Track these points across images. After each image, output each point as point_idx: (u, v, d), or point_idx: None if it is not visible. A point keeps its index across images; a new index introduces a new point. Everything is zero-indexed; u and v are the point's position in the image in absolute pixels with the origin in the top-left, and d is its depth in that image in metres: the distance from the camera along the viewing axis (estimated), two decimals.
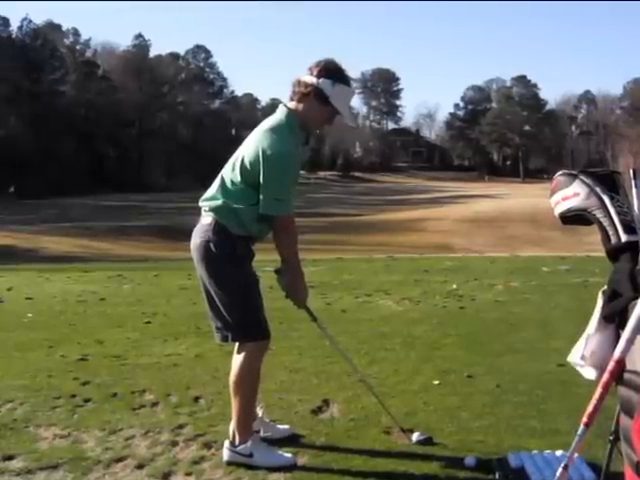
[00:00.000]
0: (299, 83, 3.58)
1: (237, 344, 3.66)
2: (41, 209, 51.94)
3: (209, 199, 3.62)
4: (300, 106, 3.58)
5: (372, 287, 10.45)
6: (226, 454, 3.63)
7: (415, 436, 3.84)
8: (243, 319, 3.57)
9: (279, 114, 3.61)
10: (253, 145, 3.52)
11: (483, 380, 5.05)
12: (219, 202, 3.57)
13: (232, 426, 3.70)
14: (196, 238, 3.61)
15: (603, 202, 2.71)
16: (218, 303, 3.58)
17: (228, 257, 3.54)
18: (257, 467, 3.53)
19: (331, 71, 3.55)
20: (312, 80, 3.53)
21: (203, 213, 3.64)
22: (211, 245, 3.54)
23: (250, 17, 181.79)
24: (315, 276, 12.10)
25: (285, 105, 3.63)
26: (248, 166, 3.49)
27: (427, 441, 3.81)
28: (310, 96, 3.54)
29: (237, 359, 3.63)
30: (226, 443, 3.66)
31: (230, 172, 3.59)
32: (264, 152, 3.43)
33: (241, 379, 3.60)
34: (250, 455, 3.58)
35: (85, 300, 9.73)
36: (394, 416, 3.98)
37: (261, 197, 3.45)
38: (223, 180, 3.61)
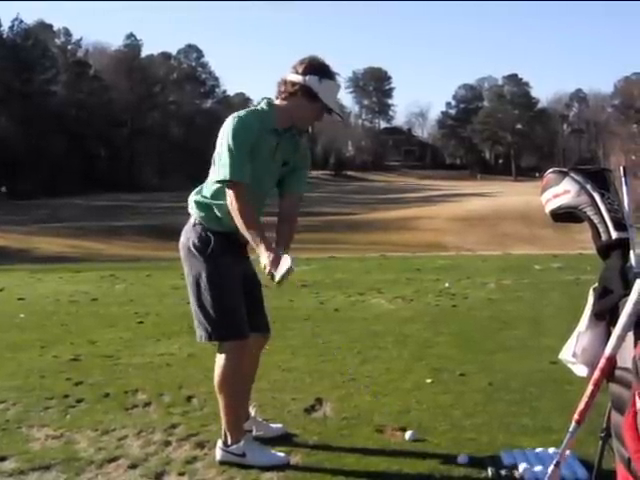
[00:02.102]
0: (285, 82, 3.55)
1: (218, 345, 3.65)
2: (33, 209, 51.79)
3: (192, 197, 3.66)
4: (288, 105, 3.56)
5: (365, 286, 10.46)
6: (219, 454, 3.63)
7: (408, 434, 3.85)
8: (215, 319, 3.52)
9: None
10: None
11: (475, 378, 5.07)
12: (198, 198, 3.61)
13: (223, 426, 3.69)
14: (181, 237, 3.65)
15: (594, 199, 2.72)
16: (193, 301, 3.58)
17: (204, 256, 3.53)
18: (250, 466, 3.53)
19: (316, 67, 3.53)
20: (298, 78, 3.51)
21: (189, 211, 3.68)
22: (190, 244, 3.56)
23: (242, 16, 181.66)
24: (308, 275, 12.10)
25: (270, 100, 3.63)
26: (216, 156, 3.50)
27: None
28: (298, 95, 3.52)
29: (218, 360, 3.61)
30: (219, 443, 3.66)
31: (211, 168, 3.60)
32: (222, 126, 3.46)
33: (223, 380, 3.58)
34: (243, 455, 3.57)
35: (77, 300, 9.71)
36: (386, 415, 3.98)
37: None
38: (207, 177, 3.64)
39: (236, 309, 3.57)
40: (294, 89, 3.52)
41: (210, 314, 3.53)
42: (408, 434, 3.86)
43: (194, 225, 3.59)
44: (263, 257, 3.34)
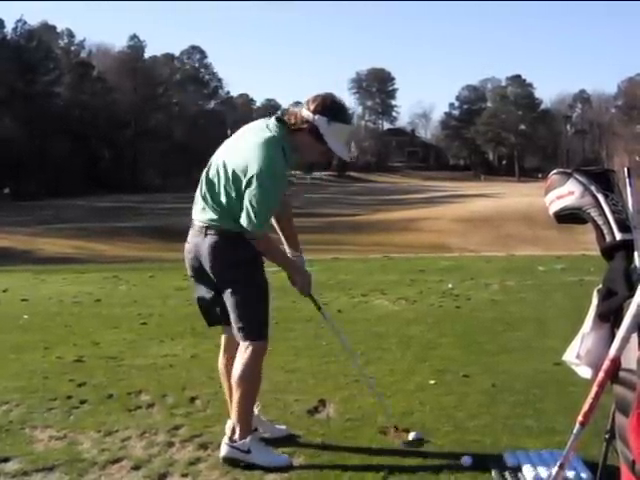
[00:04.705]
0: (296, 116, 3.56)
1: (245, 343, 3.65)
2: (36, 210, 51.83)
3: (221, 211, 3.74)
4: (297, 137, 3.57)
5: (368, 287, 10.44)
6: (224, 449, 3.63)
7: (412, 435, 3.86)
8: (259, 319, 3.65)
9: (273, 127, 3.58)
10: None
11: (479, 379, 5.06)
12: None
13: (231, 422, 3.69)
14: (214, 245, 3.68)
15: (598, 201, 2.72)
16: (237, 302, 3.64)
17: (243, 261, 3.65)
18: (253, 468, 3.53)
19: (328, 108, 3.54)
20: (309, 116, 3.52)
21: None
22: (228, 251, 3.66)
23: (245, 17, 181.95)
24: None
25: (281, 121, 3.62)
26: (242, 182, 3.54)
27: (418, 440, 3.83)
28: (305, 131, 3.54)
29: (243, 357, 3.62)
30: (225, 439, 3.65)
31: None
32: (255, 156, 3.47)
33: (248, 376, 3.61)
34: (248, 451, 3.57)
35: (81, 301, 9.71)
36: (391, 414, 3.98)
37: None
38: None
39: (267, 311, 3.70)
40: (302, 126, 3.54)
41: (255, 314, 3.62)
42: (412, 434, 3.86)
43: (226, 234, 3.58)
44: (297, 277, 3.84)
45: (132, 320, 7.93)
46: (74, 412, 4.51)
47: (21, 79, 70.17)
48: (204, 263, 3.63)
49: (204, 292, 3.77)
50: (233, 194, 3.51)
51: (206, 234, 3.59)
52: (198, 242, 3.64)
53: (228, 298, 3.62)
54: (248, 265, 3.62)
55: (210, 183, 3.61)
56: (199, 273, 3.72)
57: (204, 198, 3.62)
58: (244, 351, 3.63)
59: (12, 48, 72.36)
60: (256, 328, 3.62)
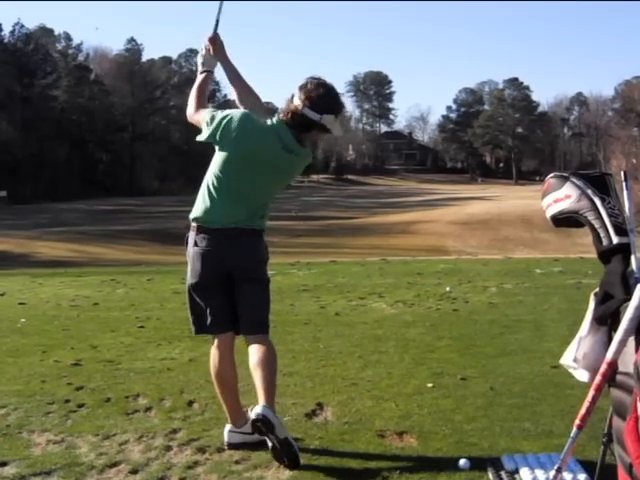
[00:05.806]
0: (301, 118, 3.64)
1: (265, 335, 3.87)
2: (34, 214, 51.83)
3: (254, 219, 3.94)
4: (307, 136, 3.76)
5: (366, 290, 10.44)
6: (261, 409, 3.50)
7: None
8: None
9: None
10: None
11: (477, 382, 5.06)
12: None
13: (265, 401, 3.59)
14: (249, 245, 3.88)
15: (594, 204, 2.73)
16: (264, 300, 3.91)
17: (266, 261, 3.91)
18: (250, 471, 3.52)
19: (335, 107, 3.71)
20: (314, 116, 3.62)
21: None
22: (261, 250, 3.89)
23: (242, 20, 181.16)
24: (309, 279, 12.11)
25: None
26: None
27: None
28: (316, 131, 3.73)
29: (270, 344, 3.83)
30: (267, 411, 3.52)
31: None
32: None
33: (276, 358, 3.85)
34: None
35: (78, 305, 9.70)
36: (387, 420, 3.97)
37: None
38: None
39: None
40: (308, 124, 3.66)
41: (269, 310, 3.91)
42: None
43: (259, 234, 3.82)
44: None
45: (130, 323, 7.92)
46: (72, 416, 4.50)
47: (18, 82, 70.25)
48: (235, 262, 3.74)
49: (217, 297, 3.82)
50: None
51: (240, 235, 3.73)
52: (230, 243, 3.73)
53: (256, 293, 3.82)
54: (266, 263, 3.91)
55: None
56: (216, 277, 3.77)
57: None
58: (268, 342, 3.82)
59: (9, 51, 72.45)
60: (270, 322, 3.92)
